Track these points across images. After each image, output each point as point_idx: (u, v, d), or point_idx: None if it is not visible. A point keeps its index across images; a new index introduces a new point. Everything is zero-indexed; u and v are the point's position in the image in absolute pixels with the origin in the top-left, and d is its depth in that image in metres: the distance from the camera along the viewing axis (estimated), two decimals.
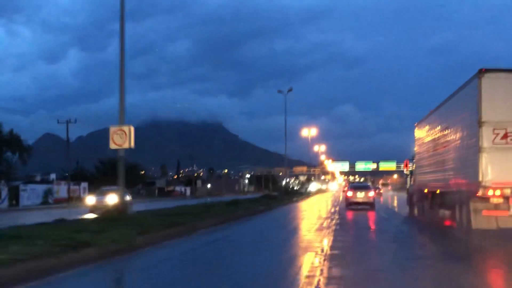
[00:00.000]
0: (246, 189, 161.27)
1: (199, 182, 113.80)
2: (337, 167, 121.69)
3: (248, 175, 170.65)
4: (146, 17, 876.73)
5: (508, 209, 13.80)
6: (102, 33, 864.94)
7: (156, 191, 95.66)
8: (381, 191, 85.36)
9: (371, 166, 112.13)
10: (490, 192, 13.87)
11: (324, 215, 28.85)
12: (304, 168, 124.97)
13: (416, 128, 27.59)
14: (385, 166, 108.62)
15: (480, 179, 13.99)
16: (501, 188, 13.82)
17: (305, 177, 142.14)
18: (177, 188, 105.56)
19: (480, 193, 14.01)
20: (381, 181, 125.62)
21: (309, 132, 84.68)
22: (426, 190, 23.98)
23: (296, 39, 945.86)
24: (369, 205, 35.51)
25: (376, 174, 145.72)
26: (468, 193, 14.92)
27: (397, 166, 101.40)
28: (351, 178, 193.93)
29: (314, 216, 28.74)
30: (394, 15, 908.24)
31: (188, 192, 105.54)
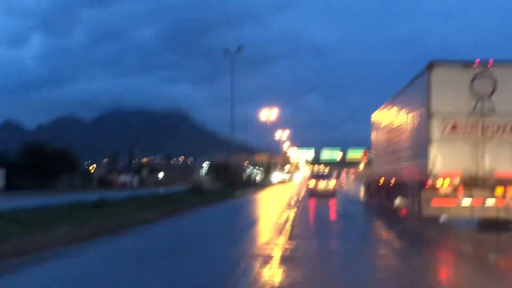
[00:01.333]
0: (202, 179, 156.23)
1: (145, 172, 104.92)
2: (301, 155, 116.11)
3: (205, 164, 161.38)
4: (112, 1, 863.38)
5: (457, 198, 14.17)
6: (66, 18, 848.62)
7: (94, 181, 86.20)
8: (343, 182, 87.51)
9: (338, 154, 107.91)
10: (439, 182, 14.22)
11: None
12: (266, 157, 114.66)
13: (372, 119, 28.05)
14: (353, 154, 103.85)
15: (430, 169, 14.33)
16: (450, 178, 14.18)
17: (268, 167, 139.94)
18: (124, 178, 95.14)
19: (429, 182, 14.36)
20: (344, 171, 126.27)
21: (268, 114, 74.90)
22: (382, 180, 24.49)
23: (264, 27, 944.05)
24: (330, 193, 36.94)
25: (343, 164, 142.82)
26: (419, 182, 15.28)
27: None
28: (315, 168, 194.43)
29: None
30: (362, 6, 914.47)
31: (136, 182, 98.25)
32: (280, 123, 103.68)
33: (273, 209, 25.63)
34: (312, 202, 30.53)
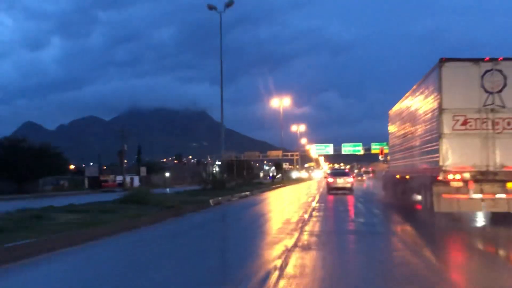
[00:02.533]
0: (209, 178, 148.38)
1: (143, 169, 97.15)
2: (319, 151, 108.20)
3: (218, 162, 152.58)
4: (130, 3, 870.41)
5: (468, 192, 14.45)
6: (85, 20, 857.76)
7: (86, 181, 78.81)
8: (364, 178, 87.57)
9: (359, 149, 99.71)
10: (450, 176, 14.53)
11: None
12: (279, 152, 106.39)
13: (390, 115, 28.35)
14: (377, 149, 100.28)
15: (441, 163, 14.65)
16: (461, 173, 14.48)
17: (287, 164, 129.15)
18: (121, 178, 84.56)
19: (441, 177, 14.68)
20: (363, 169, 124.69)
21: (280, 102, 77.66)
22: (398, 176, 24.86)
23: (281, 26, 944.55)
24: (348, 190, 38.04)
25: (365, 159, 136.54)
26: (431, 177, 15.59)
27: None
28: (336, 165, 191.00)
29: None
30: (381, 2, 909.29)
31: (137, 182, 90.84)
32: (298, 120, 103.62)
33: (289, 208, 23.59)
34: (331, 198, 31.07)
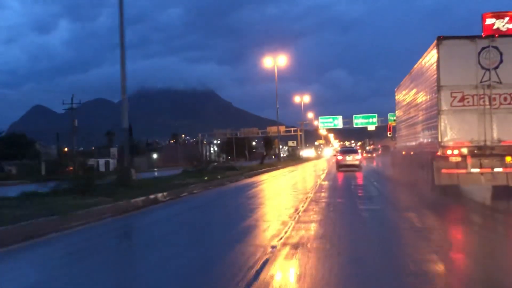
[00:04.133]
0: (214, 158, 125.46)
1: (113, 151, 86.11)
2: (327, 124, 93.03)
3: (216, 141, 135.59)
4: None
5: (466, 167, 14.90)
6: (92, 2, 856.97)
7: (43, 166, 66.60)
8: (373, 155, 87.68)
9: (375, 120, 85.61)
10: (449, 152, 14.97)
11: None
12: (282, 128, 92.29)
13: (396, 93, 28.75)
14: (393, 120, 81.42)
15: (440, 139, 15.10)
16: (459, 148, 14.92)
17: (293, 142, 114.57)
18: (92, 161, 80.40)
19: (439, 152, 15.13)
20: (372, 146, 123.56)
21: (274, 61, 61.99)
22: (404, 152, 25.36)
23: (289, 3, 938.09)
24: (357, 167, 39.63)
25: (378, 135, 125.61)
26: (432, 153, 16.04)
27: None
28: (346, 143, 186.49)
29: None
30: None
31: (104, 166, 78.42)
32: (308, 101, 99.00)
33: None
34: (340, 175, 31.88)
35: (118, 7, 22.52)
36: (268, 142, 75.66)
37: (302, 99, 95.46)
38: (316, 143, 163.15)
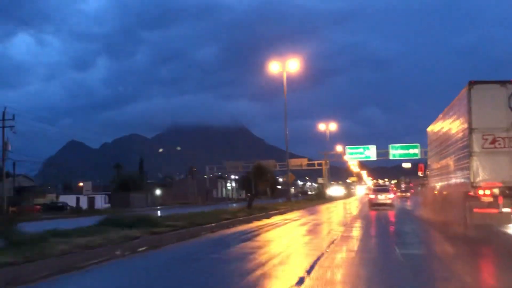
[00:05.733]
0: (231, 195, 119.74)
1: (87, 185, 71.48)
2: (356, 155, 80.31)
3: (234, 176, 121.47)
4: (174, 23, 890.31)
5: (498, 207, 15.36)
6: (129, 40, 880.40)
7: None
8: (407, 194, 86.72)
9: (417, 152, 71.56)
10: (481, 192, 15.48)
11: None
12: (304, 161, 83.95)
13: (428, 133, 29.26)
14: None
15: (472, 180, 15.62)
16: (490, 188, 15.42)
17: (323, 179, 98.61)
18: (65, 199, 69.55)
19: (471, 192, 15.66)
20: (403, 185, 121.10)
21: (284, 67, 52.42)
22: (436, 192, 25.71)
23: (322, 41, 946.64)
24: (389, 206, 40.68)
25: (414, 172, 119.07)
26: (464, 193, 16.55)
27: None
28: (380, 181, 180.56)
29: None
30: (423, 16, 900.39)
31: (101, 202, 73.71)
32: (338, 136, 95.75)
33: None
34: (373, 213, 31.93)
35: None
36: (263, 174, 40.59)
37: (328, 126, 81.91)
38: (348, 180, 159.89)
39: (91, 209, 62.78)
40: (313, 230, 20.47)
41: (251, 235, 18.99)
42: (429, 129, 28.69)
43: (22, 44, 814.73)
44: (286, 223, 25.91)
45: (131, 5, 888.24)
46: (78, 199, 68.60)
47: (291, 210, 40.94)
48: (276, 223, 25.93)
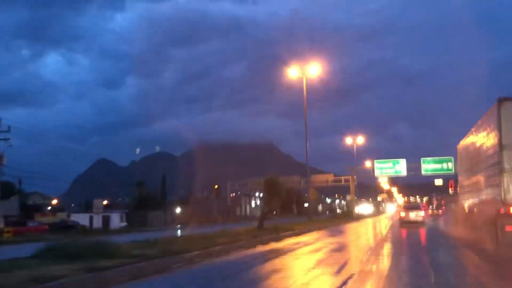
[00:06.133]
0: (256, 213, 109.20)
1: (98, 203, 71.82)
2: (385, 170, 73.80)
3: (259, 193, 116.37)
4: (200, 41, 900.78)
5: None
6: (157, 58, 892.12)
7: (2, 221, 52.29)
8: (439, 212, 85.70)
9: (451, 166, 63.87)
10: None
11: None
12: (330, 177, 77.89)
13: (458, 150, 28.98)
14: None
15: (503, 197, 15.41)
16: None
17: (350, 196, 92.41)
18: (82, 217, 66.67)
19: (503, 210, 15.42)
20: (435, 202, 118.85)
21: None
22: (467, 209, 25.37)
23: (351, 57, 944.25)
24: (420, 223, 40.76)
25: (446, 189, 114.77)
26: (495, 210, 16.31)
27: None
28: (411, 199, 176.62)
29: None
30: (454, 31, 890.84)
31: (117, 221, 70.65)
32: (369, 154, 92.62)
33: None
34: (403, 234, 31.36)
35: None
36: (275, 189, 34.20)
37: (355, 141, 79.18)
38: (379, 198, 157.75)
39: (106, 229, 61.38)
40: (325, 261, 15.93)
41: (241, 269, 14.73)
42: (459, 145, 28.41)
43: (52, 63, 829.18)
44: (295, 249, 21.16)
45: (159, 23, 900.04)
46: (91, 218, 66.84)
47: (309, 230, 35.55)
48: (282, 249, 21.36)
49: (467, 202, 25.00)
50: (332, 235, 31.70)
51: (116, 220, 70.40)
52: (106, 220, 68.82)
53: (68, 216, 69.14)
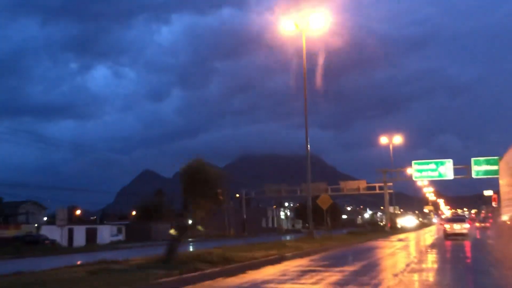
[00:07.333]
0: (286, 226, 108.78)
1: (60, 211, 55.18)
2: (427, 173, 62.68)
3: (289, 203, 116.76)
4: (245, 53, 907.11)
5: None
6: (202, 71, 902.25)
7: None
8: (487, 224, 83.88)
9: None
10: None
11: None
12: (362, 183, 69.42)
13: (500, 163, 28.27)
14: None
15: None
16: None
17: (395, 208, 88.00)
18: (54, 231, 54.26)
19: None
20: (483, 214, 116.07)
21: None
22: (510, 222, 24.68)
23: (397, 68, 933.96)
24: (465, 235, 40.28)
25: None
26: None
27: None
28: (459, 211, 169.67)
29: None
30: (499, 40, 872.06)
31: (107, 235, 64.43)
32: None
33: None
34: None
35: None
36: (202, 183, 17.54)
37: (391, 140, 71.42)
38: (425, 209, 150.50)
39: (91, 243, 56.39)
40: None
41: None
42: (500, 159, 27.75)
43: (99, 76, 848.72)
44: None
45: (204, 36, 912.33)
46: (71, 231, 58.71)
47: (301, 255, 22.55)
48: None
49: (510, 215, 24.34)
50: (334, 263, 19.22)
51: (106, 234, 64.73)
52: (91, 234, 62.94)
53: (38, 229, 60.97)
